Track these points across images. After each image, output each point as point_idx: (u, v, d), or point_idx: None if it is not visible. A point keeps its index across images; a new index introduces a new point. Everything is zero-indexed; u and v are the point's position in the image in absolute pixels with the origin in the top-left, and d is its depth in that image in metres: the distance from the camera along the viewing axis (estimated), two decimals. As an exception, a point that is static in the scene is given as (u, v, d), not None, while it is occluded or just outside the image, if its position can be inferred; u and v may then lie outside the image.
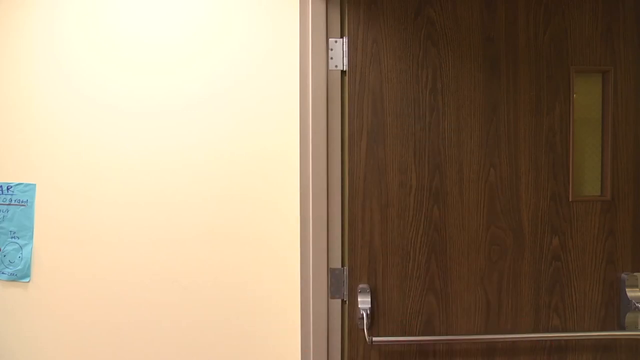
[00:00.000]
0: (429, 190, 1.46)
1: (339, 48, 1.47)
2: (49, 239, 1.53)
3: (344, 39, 1.47)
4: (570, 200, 1.47)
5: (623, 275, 1.48)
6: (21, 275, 1.53)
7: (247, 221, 1.49)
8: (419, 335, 1.45)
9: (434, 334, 1.46)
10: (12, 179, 1.54)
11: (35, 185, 1.53)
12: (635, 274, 1.48)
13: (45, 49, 1.52)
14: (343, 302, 1.48)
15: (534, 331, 1.47)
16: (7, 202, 1.54)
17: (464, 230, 1.46)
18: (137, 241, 1.50)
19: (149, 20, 1.50)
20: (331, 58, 1.47)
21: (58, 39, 1.51)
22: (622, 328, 1.48)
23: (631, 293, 1.46)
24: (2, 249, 1.55)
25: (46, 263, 1.53)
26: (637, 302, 1.45)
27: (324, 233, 1.46)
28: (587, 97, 1.51)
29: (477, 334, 1.46)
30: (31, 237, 1.53)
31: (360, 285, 1.45)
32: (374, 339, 1.39)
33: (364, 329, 1.41)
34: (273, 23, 1.49)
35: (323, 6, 1.47)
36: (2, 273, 1.55)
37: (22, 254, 1.53)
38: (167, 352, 1.50)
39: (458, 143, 1.46)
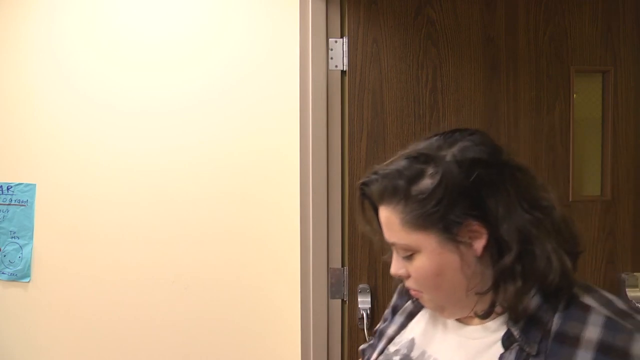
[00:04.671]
0: (429, 190, 1.46)
1: (339, 48, 1.47)
2: (49, 239, 1.52)
3: (344, 39, 1.47)
4: (570, 200, 1.47)
5: (623, 275, 1.48)
6: (21, 275, 1.53)
7: (248, 221, 1.49)
8: (419, 335, 1.45)
9: (434, 334, 1.46)
10: (12, 179, 1.54)
11: (35, 185, 1.53)
12: (635, 274, 1.48)
13: (45, 49, 1.51)
14: (343, 302, 1.48)
15: (534, 331, 1.47)
16: (7, 202, 1.54)
17: (464, 230, 1.46)
18: (137, 241, 1.50)
19: (150, 20, 1.50)
20: (331, 58, 1.47)
21: (58, 39, 1.51)
22: (622, 328, 1.47)
23: (631, 293, 1.46)
24: (2, 249, 1.55)
25: (46, 263, 1.53)
26: (637, 302, 1.45)
27: (324, 233, 1.46)
28: (587, 97, 1.51)
29: (477, 334, 1.46)
30: (31, 237, 1.53)
31: (360, 285, 1.45)
32: (374, 339, 1.39)
33: (364, 329, 1.41)
34: (273, 23, 1.49)
35: (323, 6, 1.47)
36: (2, 273, 1.55)
37: (22, 254, 1.53)
38: (167, 351, 1.50)
39: (458, 143, 1.46)
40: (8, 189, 1.54)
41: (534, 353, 0.59)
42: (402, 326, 0.78)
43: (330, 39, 1.47)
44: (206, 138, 1.50)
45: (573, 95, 1.47)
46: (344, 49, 1.47)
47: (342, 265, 1.48)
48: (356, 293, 1.45)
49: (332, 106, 1.47)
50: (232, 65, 1.49)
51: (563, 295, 0.61)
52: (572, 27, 1.47)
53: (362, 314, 1.42)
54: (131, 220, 1.50)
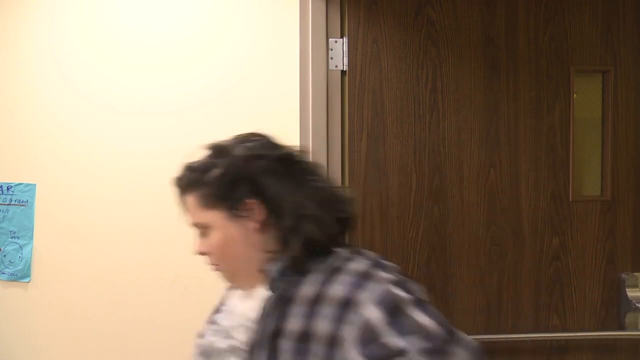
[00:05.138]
0: (429, 190, 1.46)
1: (339, 48, 1.47)
2: (49, 239, 1.52)
3: (344, 39, 1.47)
4: (570, 200, 1.47)
5: (623, 275, 1.48)
6: (21, 275, 1.53)
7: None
8: (419, 335, 1.45)
9: (434, 334, 1.46)
10: (12, 179, 1.54)
11: (35, 185, 1.53)
12: (635, 274, 1.48)
13: (45, 49, 1.51)
14: (343, 302, 1.48)
15: (534, 331, 1.47)
16: (7, 202, 1.54)
17: (464, 230, 1.46)
18: (137, 241, 1.50)
19: (150, 20, 1.50)
20: (331, 58, 1.47)
21: (58, 39, 1.51)
22: (622, 328, 1.48)
23: (631, 293, 1.46)
24: (2, 249, 1.55)
25: (46, 263, 1.52)
26: (637, 302, 1.45)
27: (324, 233, 1.46)
28: (587, 97, 1.51)
29: (477, 333, 1.46)
30: (31, 237, 1.53)
31: (360, 285, 1.45)
32: (374, 339, 1.39)
33: (364, 329, 1.41)
34: (273, 23, 1.49)
35: (323, 6, 1.47)
36: (2, 273, 1.55)
37: (22, 254, 1.53)
38: (167, 351, 1.50)
39: (458, 143, 1.46)
40: (8, 189, 1.54)
41: (290, 292, 0.75)
42: (226, 297, 0.97)
43: (330, 39, 1.47)
44: (206, 138, 1.49)
45: (573, 95, 1.47)
46: (344, 49, 1.47)
47: (342, 265, 1.48)
48: (356, 293, 1.45)
49: (332, 106, 1.47)
50: (232, 65, 1.49)
51: (324, 249, 0.78)
52: (572, 27, 1.48)
53: (362, 314, 1.42)
54: (131, 220, 1.50)
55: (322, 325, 0.69)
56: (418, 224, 1.46)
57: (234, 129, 1.48)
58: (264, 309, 0.77)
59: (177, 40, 1.49)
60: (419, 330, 0.64)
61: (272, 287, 0.77)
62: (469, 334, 1.54)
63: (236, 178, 0.79)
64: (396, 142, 1.46)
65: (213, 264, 0.86)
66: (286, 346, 0.71)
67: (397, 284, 0.70)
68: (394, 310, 0.66)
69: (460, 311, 1.46)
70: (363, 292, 0.69)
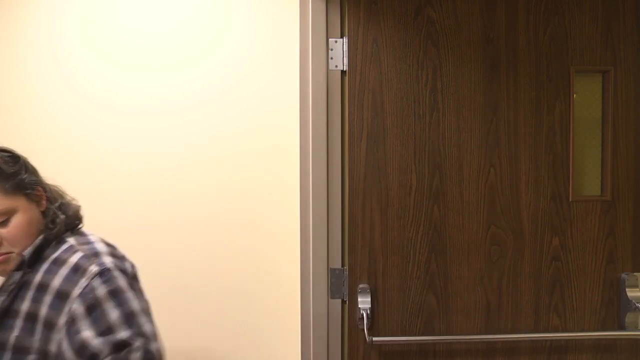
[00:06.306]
0: (429, 190, 1.46)
1: (339, 48, 1.47)
2: (49, 239, 1.52)
3: (344, 39, 1.47)
4: (570, 200, 1.47)
5: (623, 275, 1.48)
6: (21, 275, 1.53)
7: (247, 221, 1.49)
8: (419, 335, 1.45)
9: (434, 334, 1.46)
10: (12, 179, 1.54)
11: (35, 185, 1.53)
12: (635, 274, 1.48)
13: (45, 49, 1.51)
14: (343, 302, 1.48)
15: (534, 331, 1.47)
16: (7, 202, 1.54)
17: (464, 230, 1.46)
18: (136, 241, 1.50)
19: (150, 20, 1.50)
20: (331, 58, 1.47)
21: (58, 39, 1.51)
22: (622, 328, 1.48)
23: (631, 293, 1.46)
24: (2, 249, 1.55)
25: (46, 263, 1.52)
26: (637, 302, 1.45)
27: (324, 233, 1.46)
28: (587, 97, 1.51)
29: (477, 333, 1.46)
30: (31, 237, 1.53)
31: (360, 285, 1.45)
32: (374, 338, 1.39)
33: (364, 329, 1.41)
34: (273, 23, 1.49)
35: (323, 6, 1.47)
36: (2, 273, 1.55)
37: (22, 254, 1.53)
38: (167, 352, 1.50)
39: (458, 143, 1.46)
40: (8, 189, 1.54)
41: (28, 277, 0.93)
42: None
43: (330, 39, 1.47)
44: (206, 138, 1.49)
45: (573, 95, 1.48)
46: (344, 49, 1.47)
47: (342, 265, 1.48)
48: (356, 293, 1.45)
49: (332, 106, 1.47)
50: (232, 65, 1.49)
51: (60, 237, 0.99)
52: (572, 27, 1.48)
53: (362, 314, 1.42)
54: (131, 220, 1.50)
55: (44, 310, 0.89)
56: (418, 224, 1.46)
57: (234, 128, 1.50)
58: (6, 287, 0.93)
59: (177, 40, 1.49)
60: (107, 326, 0.85)
61: (19, 269, 0.94)
62: (469, 333, 1.55)
63: (26, 171, 1.00)
64: (396, 142, 1.46)
65: (5, 254, 0.95)
66: (17, 323, 0.89)
67: (102, 275, 0.90)
68: (90, 307, 0.87)
69: (460, 311, 1.46)
70: (74, 287, 0.89)
